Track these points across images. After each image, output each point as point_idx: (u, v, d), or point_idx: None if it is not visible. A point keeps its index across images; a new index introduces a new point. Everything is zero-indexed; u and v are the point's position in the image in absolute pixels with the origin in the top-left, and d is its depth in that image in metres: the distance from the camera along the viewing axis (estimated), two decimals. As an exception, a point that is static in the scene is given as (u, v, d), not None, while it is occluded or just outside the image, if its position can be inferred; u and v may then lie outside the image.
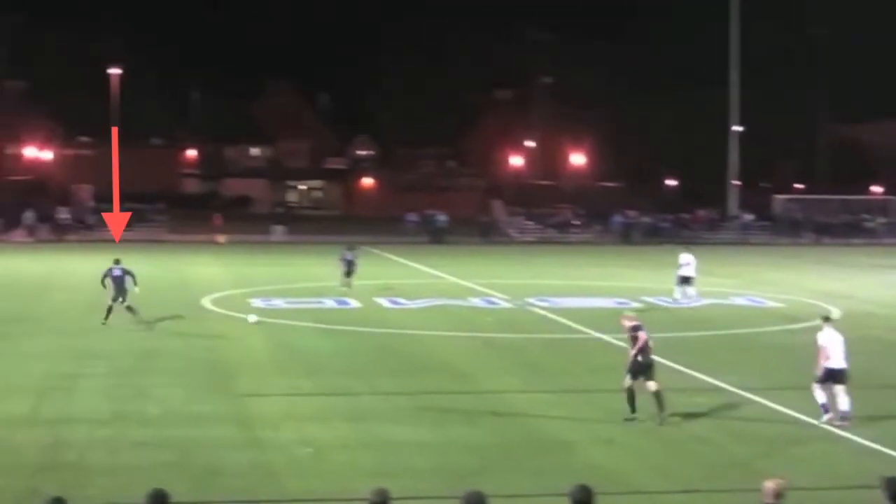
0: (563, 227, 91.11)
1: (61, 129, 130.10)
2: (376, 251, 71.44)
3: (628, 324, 24.99)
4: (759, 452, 22.01)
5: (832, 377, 23.81)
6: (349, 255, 48.38)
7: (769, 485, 12.65)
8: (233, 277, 54.60)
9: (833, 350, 23.92)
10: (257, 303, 44.31)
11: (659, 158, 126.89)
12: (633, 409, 24.21)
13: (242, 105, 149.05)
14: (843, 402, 23.69)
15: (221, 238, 79.69)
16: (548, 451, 22.09)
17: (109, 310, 37.39)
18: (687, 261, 46.17)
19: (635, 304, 44.88)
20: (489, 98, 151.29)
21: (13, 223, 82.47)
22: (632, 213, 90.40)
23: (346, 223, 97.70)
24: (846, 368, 23.87)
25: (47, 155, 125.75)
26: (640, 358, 24.32)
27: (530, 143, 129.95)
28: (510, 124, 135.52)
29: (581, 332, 37.73)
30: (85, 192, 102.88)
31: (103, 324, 36.93)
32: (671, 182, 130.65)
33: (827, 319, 25.18)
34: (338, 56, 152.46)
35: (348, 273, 48.06)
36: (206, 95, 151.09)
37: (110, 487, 19.24)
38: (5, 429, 22.94)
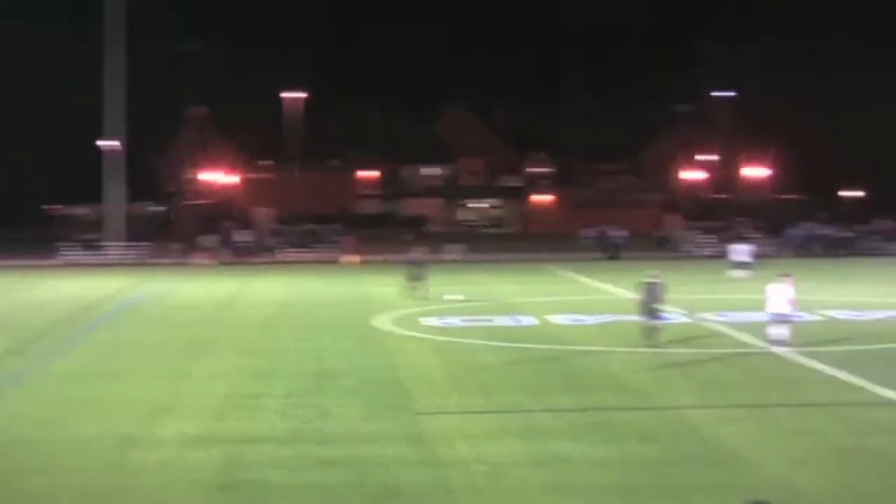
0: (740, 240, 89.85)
1: (242, 153, 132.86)
2: (552, 268, 71.47)
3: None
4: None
5: None
6: None
7: None
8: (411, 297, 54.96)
9: None
10: (434, 321, 44.63)
11: (842, 169, 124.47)
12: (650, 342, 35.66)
13: (419, 125, 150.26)
14: None
15: (356, 258, 79.96)
16: (728, 468, 21.78)
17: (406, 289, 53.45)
18: None
19: (813, 318, 44.15)
20: (668, 113, 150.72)
21: (194, 246, 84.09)
22: (807, 224, 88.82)
23: (522, 241, 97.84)
24: None
25: (229, 179, 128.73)
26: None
27: (709, 157, 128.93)
28: (689, 138, 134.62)
29: (757, 346, 37.12)
30: (265, 214, 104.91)
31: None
32: (855, 193, 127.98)
33: None
34: (515, 73, 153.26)
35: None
36: (383, 117, 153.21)
37: (291, 506, 19.58)
38: (189, 448, 23.39)
